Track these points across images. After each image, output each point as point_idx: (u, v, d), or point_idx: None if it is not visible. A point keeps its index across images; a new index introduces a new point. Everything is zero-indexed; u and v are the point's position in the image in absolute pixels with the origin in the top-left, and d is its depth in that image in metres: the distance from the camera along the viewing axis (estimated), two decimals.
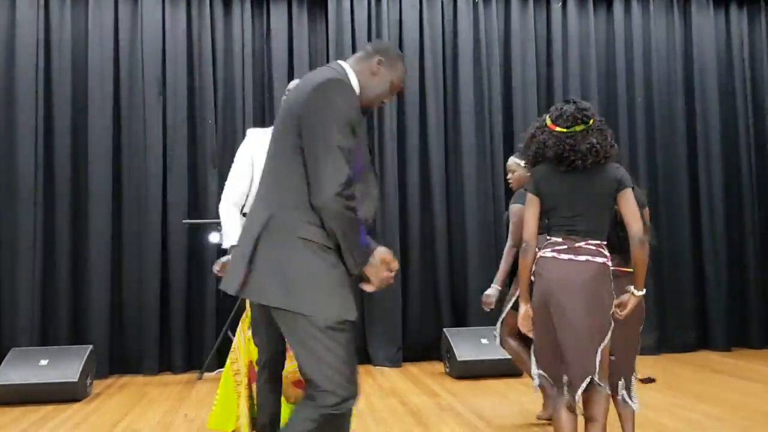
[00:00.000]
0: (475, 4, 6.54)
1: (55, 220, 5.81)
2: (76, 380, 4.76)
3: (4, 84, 5.82)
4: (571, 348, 2.60)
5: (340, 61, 2.36)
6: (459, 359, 5.33)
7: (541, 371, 2.78)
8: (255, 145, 3.11)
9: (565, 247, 2.67)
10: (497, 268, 6.33)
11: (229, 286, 2.21)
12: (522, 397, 4.75)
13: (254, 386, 3.21)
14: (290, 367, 3.34)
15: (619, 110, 6.65)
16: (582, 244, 2.66)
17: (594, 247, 2.66)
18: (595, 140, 2.67)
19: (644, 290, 2.76)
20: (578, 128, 2.71)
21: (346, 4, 6.34)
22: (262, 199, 2.23)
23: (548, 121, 2.80)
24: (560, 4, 6.67)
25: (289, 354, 3.27)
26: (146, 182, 5.96)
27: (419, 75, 6.42)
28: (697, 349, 6.48)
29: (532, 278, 2.76)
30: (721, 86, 6.86)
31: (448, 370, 5.58)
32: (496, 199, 6.39)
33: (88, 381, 5.05)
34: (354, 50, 6.32)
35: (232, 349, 3.38)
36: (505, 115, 6.53)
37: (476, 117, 6.44)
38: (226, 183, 3.26)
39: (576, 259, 2.64)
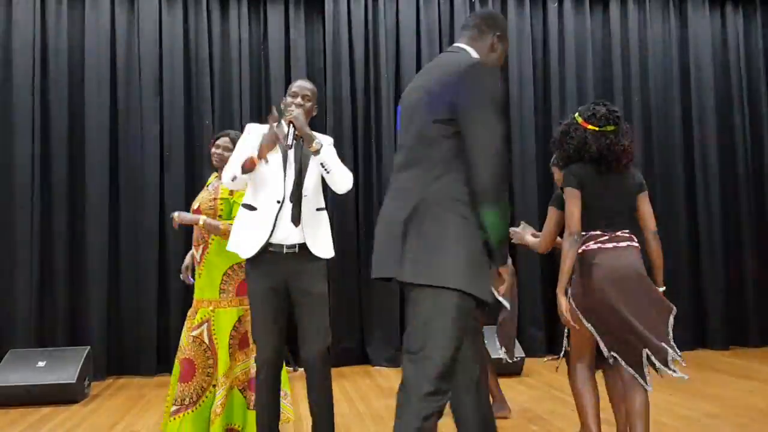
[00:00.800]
0: (472, 5, 6.55)
1: (52, 221, 5.80)
2: (74, 382, 4.75)
3: (1, 85, 5.81)
4: (647, 322, 2.79)
5: (458, 44, 2.34)
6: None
7: (614, 354, 2.88)
8: (254, 138, 3.10)
9: (607, 237, 2.87)
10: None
11: (384, 271, 2.17)
12: (519, 396, 4.75)
13: (182, 385, 3.38)
14: (248, 363, 3.47)
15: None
16: (619, 233, 2.89)
17: (628, 234, 2.91)
18: (627, 142, 2.89)
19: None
20: (609, 128, 2.88)
21: (343, 5, 6.35)
22: (404, 190, 2.17)
23: (580, 120, 2.94)
24: (557, 3, 6.68)
25: (247, 351, 3.48)
26: (143, 183, 5.96)
27: (416, 73, 6.40)
28: (695, 347, 6.50)
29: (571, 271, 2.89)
30: (717, 86, 6.88)
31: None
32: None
33: (86, 382, 5.04)
34: (351, 51, 6.33)
35: (180, 348, 3.46)
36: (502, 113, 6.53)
37: None
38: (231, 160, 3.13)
39: (617, 245, 2.86)
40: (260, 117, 6.27)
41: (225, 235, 3.36)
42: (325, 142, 3.10)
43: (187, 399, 3.37)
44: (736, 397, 4.61)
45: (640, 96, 6.72)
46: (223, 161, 3.52)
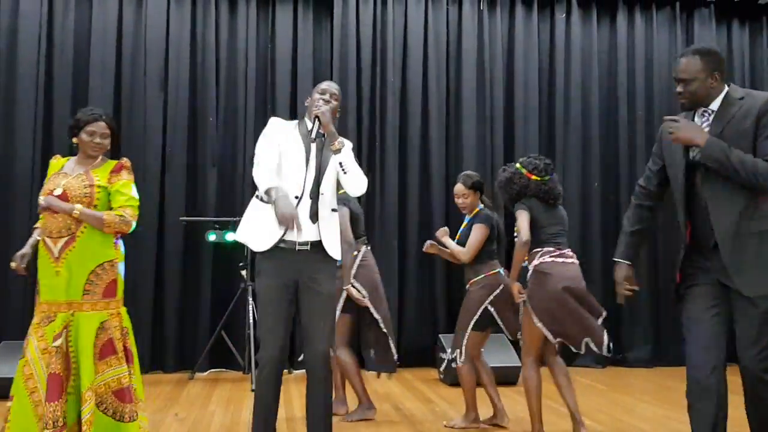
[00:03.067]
0: (480, 12, 6.55)
1: None
2: None
3: (6, 76, 5.81)
4: (590, 317, 3.68)
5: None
6: (453, 366, 5.29)
7: (560, 339, 3.67)
8: (277, 131, 3.09)
9: (557, 253, 3.70)
10: None
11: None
12: (516, 405, 4.72)
13: (52, 405, 2.87)
14: (110, 374, 3.05)
15: (619, 122, 6.66)
16: (566, 251, 3.76)
17: (572, 252, 3.80)
18: (560, 187, 3.89)
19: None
20: (547, 178, 3.80)
21: (352, 7, 6.35)
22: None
23: (524, 171, 3.81)
24: (564, 14, 6.68)
25: (109, 360, 3.04)
26: (144, 179, 5.92)
27: (422, 79, 6.42)
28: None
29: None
30: None
31: (442, 376, 5.56)
32: (496, 207, 6.35)
33: None
34: (358, 54, 6.32)
35: (25, 363, 2.99)
36: (507, 122, 6.54)
37: (478, 122, 6.44)
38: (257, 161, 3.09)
39: (567, 261, 3.72)
40: (265, 116, 6.24)
41: (109, 227, 3.08)
42: (346, 144, 3.10)
43: (60, 420, 2.89)
44: (730, 413, 4.58)
45: (644, 109, 6.72)
46: (102, 149, 3.19)
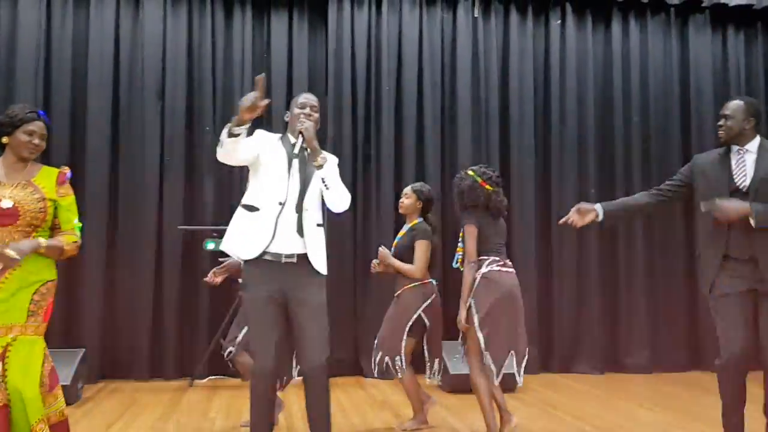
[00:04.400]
0: (475, 19, 6.58)
1: None
2: (68, 384, 4.71)
3: (4, 85, 5.81)
4: (522, 329, 3.89)
5: None
6: (451, 373, 5.32)
7: (492, 359, 3.75)
8: (261, 141, 3.12)
9: (502, 263, 3.84)
10: None
11: None
12: (515, 412, 4.71)
13: None
14: (56, 407, 2.88)
15: (615, 129, 6.68)
16: (507, 261, 3.90)
17: (511, 263, 3.94)
18: (506, 200, 4.02)
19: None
20: (497, 189, 3.93)
21: (347, 16, 6.37)
22: None
23: (479, 180, 3.89)
24: (559, 21, 6.72)
25: (56, 392, 2.88)
26: (142, 188, 5.95)
27: (417, 87, 6.44)
28: (689, 369, 6.48)
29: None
30: (718, 107, 6.75)
31: (440, 383, 5.55)
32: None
33: (80, 385, 5.01)
34: (353, 61, 6.35)
35: None
36: (502, 128, 6.56)
37: (473, 129, 6.46)
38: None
39: (508, 270, 3.87)
40: (260, 124, 6.27)
41: (65, 256, 2.87)
42: (330, 159, 3.11)
43: None
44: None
45: (640, 115, 6.74)
46: (39, 152, 2.91)
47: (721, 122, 3.26)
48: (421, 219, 4.36)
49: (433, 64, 6.49)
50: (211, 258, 5.89)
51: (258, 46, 6.36)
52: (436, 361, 4.33)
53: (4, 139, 2.84)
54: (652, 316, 6.50)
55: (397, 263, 4.26)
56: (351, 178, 6.09)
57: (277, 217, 2.97)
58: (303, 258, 3.00)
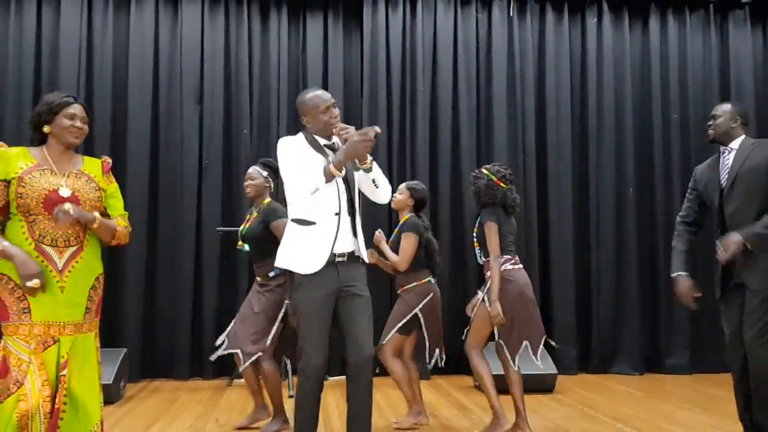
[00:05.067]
0: (510, 18, 6.55)
1: None
2: (110, 383, 4.82)
3: (48, 89, 5.93)
4: (535, 321, 4.00)
5: None
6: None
7: (501, 341, 3.96)
8: (300, 152, 3.09)
9: (513, 260, 4.02)
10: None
11: None
12: (553, 413, 4.71)
13: None
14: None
15: (653, 127, 6.59)
16: (517, 257, 4.08)
17: (520, 260, 4.12)
18: (518, 196, 4.20)
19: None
20: (511, 186, 4.11)
21: (381, 18, 6.40)
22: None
23: (494, 178, 4.06)
24: (596, 19, 6.65)
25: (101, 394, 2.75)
26: (182, 190, 6.06)
27: (452, 89, 6.44)
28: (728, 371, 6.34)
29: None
30: (759, 104, 6.77)
31: (477, 384, 5.55)
32: (528, 211, 6.36)
33: (122, 384, 5.12)
34: (388, 62, 6.37)
35: (20, 399, 2.50)
36: (538, 129, 6.52)
37: (509, 131, 6.43)
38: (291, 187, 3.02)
39: (520, 267, 4.07)
40: (297, 126, 6.33)
41: (117, 241, 2.84)
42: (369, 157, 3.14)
43: None
44: None
45: (679, 113, 6.64)
46: (83, 134, 2.77)
47: (710, 122, 3.53)
48: (411, 215, 4.41)
49: (468, 65, 6.48)
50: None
51: (294, 49, 6.43)
52: (437, 350, 4.37)
53: (46, 128, 2.72)
54: (693, 316, 6.39)
55: (387, 250, 4.36)
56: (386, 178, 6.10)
57: (337, 228, 3.00)
58: (351, 255, 3.07)
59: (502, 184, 4.04)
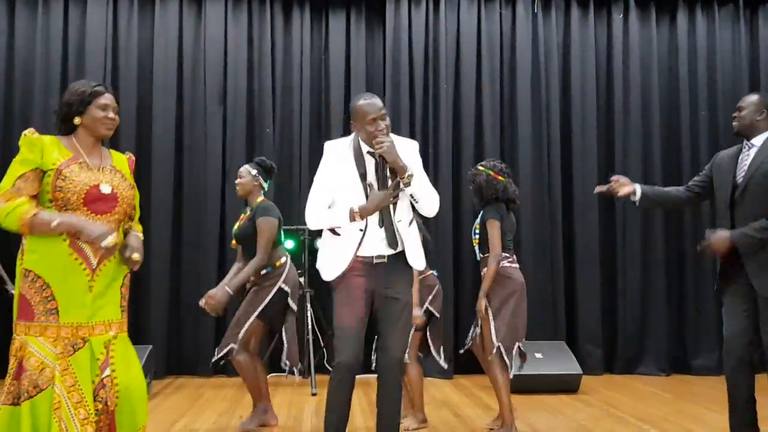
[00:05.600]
0: (534, 15, 6.49)
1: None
2: None
3: None
4: (524, 321, 3.99)
5: None
6: (512, 373, 5.24)
7: (498, 342, 3.89)
8: (333, 163, 3.08)
9: (512, 258, 4.03)
10: (553, 280, 6.28)
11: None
12: (578, 413, 4.66)
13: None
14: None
15: (681, 124, 6.50)
16: (515, 257, 4.07)
17: (516, 257, 4.11)
18: (517, 188, 4.20)
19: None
20: (508, 179, 4.10)
21: (404, 15, 6.38)
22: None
23: (491, 173, 4.06)
24: (622, 14, 6.57)
25: None
26: (206, 188, 6.10)
27: (476, 86, 6.40)
28: (760, 371, 6.22)
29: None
30: None
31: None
32: (553, 210, 6.31)
33: (148, 380, 5.15)
34: (411, 60, 6.35)
35: (57, 407, 2.37)
36: (563, 126, 6.45)
37: (533, 129, 6.38)
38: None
39: (517, 266, 4.06)
40: (319, 124, 6.35)
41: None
42: (410, 151, 3.08)
43: None
44: None
45: (707, 109, 6.53)
46: (115, 125, 2.63)
47: (735, 114, 3.39)
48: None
49: (491, 62, 6.43)
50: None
51: (316, 47, 6.44)
52: (441, 346, 4.33)
53: (77, 120, 2.54)
54: (720, 316, 6.28)
55: None
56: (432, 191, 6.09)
57: (359, 242, 2.97)
58: (395, 256, 3.03)
59: (500, 178, 4.05)
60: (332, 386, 3.00)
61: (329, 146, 3.12)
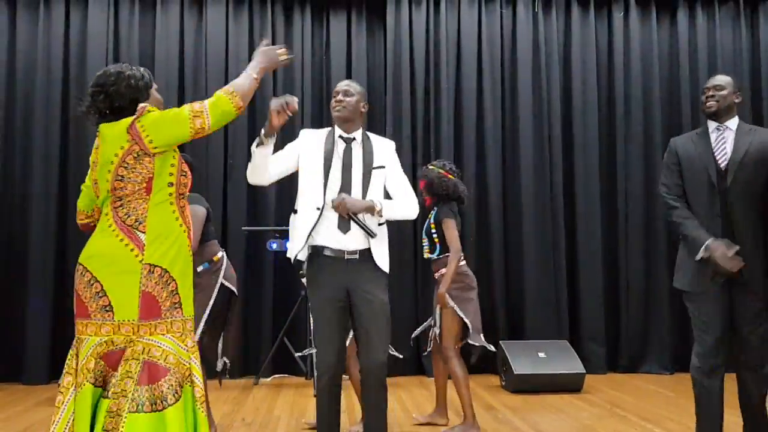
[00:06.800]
0: (535, 14, 6.49)
1: None
2: None
3: (76, 92, 6.04)
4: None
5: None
6: (515, 372, 5.26)
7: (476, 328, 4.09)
8: (303, 143, 3.16)
9: (463, 255, 4.14)
10: (556, 279, 6.27)
11: None
12: (581, 413, 4.65)
13: None
14: None
15: (682, 122, 6.48)
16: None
17: None
18: (466, 188, 4.32)
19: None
20: (458, 179, 4.23)
21: (405, 15, 6.38)
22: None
23: (442, 171, 4.19)
24: (622, 13, 6.56)
25: None
26: (207, 189, 6.07)
27: (477, 86, 6.39)
28: None
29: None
30: None
31: (503, 383, 5.52)
32: (555, 210, 6.30)
33: None
34: (412, 60, 6.35)
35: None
36: (564, 125, 6.45)
37: (534, 127, 6.37)
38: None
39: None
40: (321, 124, 6.34)
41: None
42: (389, 159, 3.19)
43: None
44: None
45: None
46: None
47: (711, 93, 3.20)
48: None
49: (492, 62, 6.43)
50: (275, 258, 6.00)
51: (317, 48, 6.44)
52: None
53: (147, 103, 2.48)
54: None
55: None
56: (410, 178, 6.06)
57: (315, 223, 2.99)
58: (367, 253, 3.02)
59: (450, 176, 4.17)
60: (317, 388, 3.05)
61: (305, 131, 3.29)
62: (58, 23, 6.08)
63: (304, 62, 6.32)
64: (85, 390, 2.24)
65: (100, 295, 2.30)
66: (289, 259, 4.12)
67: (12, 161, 6.01)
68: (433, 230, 4.13)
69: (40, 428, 4.25)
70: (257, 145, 2.97)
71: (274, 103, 2.90)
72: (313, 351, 4.23)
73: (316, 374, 3.09)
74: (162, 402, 2.23)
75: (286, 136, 6.24)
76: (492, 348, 4.30)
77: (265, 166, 3.03)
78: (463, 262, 4.14)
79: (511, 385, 5.33)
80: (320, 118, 6.35)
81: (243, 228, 5.99)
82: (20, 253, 5.86)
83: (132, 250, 2.32)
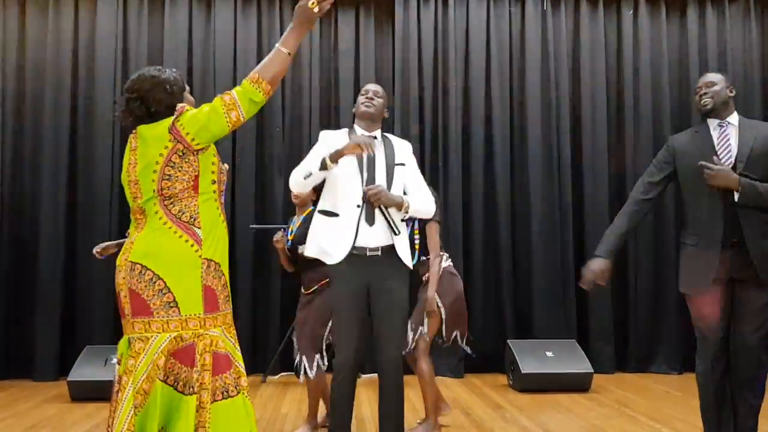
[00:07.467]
0: (544, 12, 6.46)
1: (128, 223, 5.99)
2: None
3: (86, 92, 6.08)
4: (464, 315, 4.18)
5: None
6: (523, 372, 5.25)
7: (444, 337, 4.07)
8: (330, 145, 3.12)
9: (446, 255, 4.18)
10: (564, 278, 6.25)
11: None
12: (589, 413, 4.64)
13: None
14: None
15: (692, 121, 6.44)
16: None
17: None
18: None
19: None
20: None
21: (413, 13, 6.36)
22: None
23: None
24: (632, 11, 6.52)
25: None
26: None
27: (485, 84, 6.38)
28: None
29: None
30: None
31: (511, 382, 5.51)
32: (563, 209, 6.28)
33: None
34: (420, 59, 6.34)
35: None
36: (573, 124, 6.42)
37: (543, 126, 6.35)
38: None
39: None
40: (329, 123, 6.34)
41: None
42: (407, 160, 3.23)
43: None
44: None
45: None
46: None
47: (704, 91, 3.13)
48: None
49: (501, 60, 6.41)
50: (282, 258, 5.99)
51: (325, 46, 6.43)
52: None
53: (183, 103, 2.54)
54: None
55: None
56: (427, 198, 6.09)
57: (358, 219, 3.01)
58: (388, 250, 3.04)
59: None
60: (333, 386, 3.04)
61: (324, 132, 3.28)
62: (67, 22, 6.11)
63: (312, 61, 6.31)
64: (156, 387, 2.25)
65: (164, 291, 2.31)
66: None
67: (21, 161, 6.05)
68: (416, 235, 4.04)
69: (49, 424, 4.29)
70: (320, 168, 2.99)
71: (358, 140, 2.93)
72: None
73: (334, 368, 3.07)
74: (235, 388, 2.33)
75: (294, 130, 6.30)
76: (468, 350, 4.27)
77: (314, 182, 3.10)
78: (448, 262, 4.15)
79: (518, 385, 5.32)
80: (327, 118, 6.35)
81: (251, 226, 6.00)
82: (30, 253, 5.90)
83: (192, 245, 2.35)
